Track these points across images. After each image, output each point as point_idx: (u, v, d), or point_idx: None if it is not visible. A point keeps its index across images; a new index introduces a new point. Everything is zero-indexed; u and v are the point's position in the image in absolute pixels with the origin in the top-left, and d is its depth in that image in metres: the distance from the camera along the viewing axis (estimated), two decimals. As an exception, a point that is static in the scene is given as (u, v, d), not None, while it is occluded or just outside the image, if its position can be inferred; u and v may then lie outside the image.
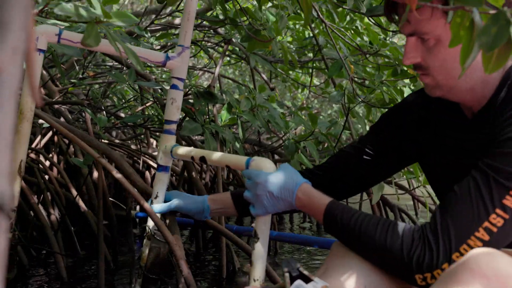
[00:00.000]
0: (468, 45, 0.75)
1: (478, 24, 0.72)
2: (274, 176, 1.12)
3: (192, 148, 1.44)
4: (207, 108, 1.94)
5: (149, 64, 3.40)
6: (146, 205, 1.42)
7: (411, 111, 1.20)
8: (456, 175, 1.07)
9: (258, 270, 1.18)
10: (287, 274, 1.03)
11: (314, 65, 3.55)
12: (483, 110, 1.01)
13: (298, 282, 0.99)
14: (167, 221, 1.55)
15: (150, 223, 1.47)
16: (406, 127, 1.21)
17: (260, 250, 1.18)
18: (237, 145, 1.93)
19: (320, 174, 1.30)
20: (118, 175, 1.55)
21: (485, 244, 0.88)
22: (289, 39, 4.15)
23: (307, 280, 1.01)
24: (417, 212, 4.23)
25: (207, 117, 1.97)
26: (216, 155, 1.33)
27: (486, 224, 0.88)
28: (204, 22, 2.65)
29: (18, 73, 0.41)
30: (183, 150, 1.43)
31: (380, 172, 1.28)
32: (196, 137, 3.11)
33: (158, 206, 1.44)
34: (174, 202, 1.42)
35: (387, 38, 2.70)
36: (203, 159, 1.35)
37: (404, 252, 0.93)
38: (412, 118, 1.19)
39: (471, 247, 0.88)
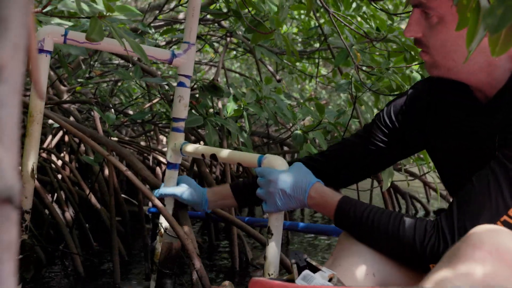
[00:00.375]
0: (474, 28, 0.74)
1: (484, 6, 0.71)
2: (287, 175, 1.14)
3: (202, 146, 1.45)
4: (211, 102, 1.94)
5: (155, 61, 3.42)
6: (157, 201, 1.44)
7: (419, 98, 1.18)
8: (461, 160, 1.06)
9: (273, 265, 1.21)
10: (294, 265, 1.05)
11: (321, 55, 3.54)
12: (498, 95, 0.99)
13: (306, 272, 1.01)
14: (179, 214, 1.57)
15: (162, 219, 1.49)
16: (413, 115, 1.19)
17: (274, 246, 1.21)
18: (244, 135, 1.94)
19: (323, 161, 1.30)
20: (127, 172, 1.57)
21: None
22: (295, 29, 4.14)
23: (314, 270, 1.03)
24: (428, 198, 4.21)
25: (212, 110, 1.98)
26: (227, 153, 1.34)
27: (504, 218, 0.88)
28: (208, 16, 2.66)
29: (20, 69, 0.42)
30: (192, 147, 1.44)
31: (384, 160, 1.28)
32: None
33: (158, 190, 1.47)
34: (174, 190, 1.44)
35: (394, 24, 2.69)
36: (213, 156, 1.36)
37: (417, 242, 0.94)
38: (420, 105, 1.18)
39: None
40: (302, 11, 3.29)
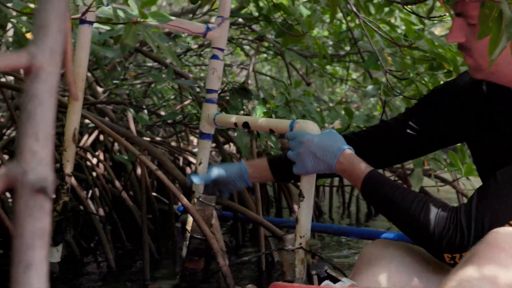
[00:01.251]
0: (496, 36, 0.75)
1: (507, 15, 0.72)
2: (318, 138, 1.15)
3: (234, 115, 1.48)
4: (241, 104, 1.98)
5: (186, 63, 3.48)
6: (184, 200, 1.48)
7: (464, 91, 1.17)
8: (498, 159, 1.06)
9: (304, 227, 1.24)
10: (315, 276, 1.08)
11: (351, 58, 3.54)
12: None
13: (326, 282, 1.04)
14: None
15: (195, 188, 1.50)
16: (455, 106, 1.18)
17: (305, 208, 1.24)
18: (273, 138, 1.97)
19: (357, 141, 1.29)
20: (158, 172, 1.61)
21: None
22: (326, 33, 4.15)
23: (335, 280, 1.05)
24: (461, 205, 4.13)
25: (242, 112, 2.01)
26: (259, 120, 1.38)
27: None
28: (239, 19, 2.70)
29: (56, 72, 0.46)
30: (225, 117, 1.49)
31: (419, 147, 1.27)
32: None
33: (198, 178, 1.46)
34: (214, 171, 1.43)
35: (425, 28, 2.67)
36: (246, 124, 1.40)
37: (436, 231, 0.94)
38: (464, 98, 1.16)
39: None
40: (324, 17, 3.30)
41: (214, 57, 1.52)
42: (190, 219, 1.51)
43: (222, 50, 1.53)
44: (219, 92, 1.60)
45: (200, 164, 1.51)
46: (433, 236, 0.95)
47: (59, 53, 0.47)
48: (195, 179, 1.47)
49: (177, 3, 6.61)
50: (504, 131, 1.06)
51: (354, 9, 1.80)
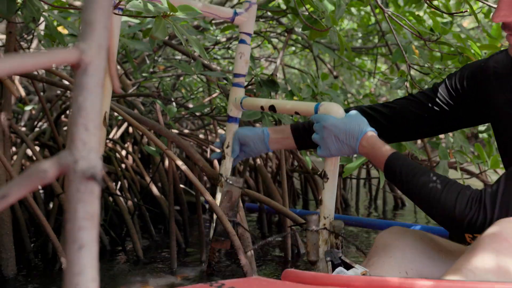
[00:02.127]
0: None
1: None
2: (341, 121, 1.16)
3: (261, 99, 1.51)
4: (269, 96, 2.00)
5: (215, 56, 3.50)
6: (208, 196, 1.51)
7: (495, 71, 1.14)
8: None
9: (328, 208, 1.28)
10: (329, 263, 1.10)
11: (380, 51, 3.52)
12: None
13: (339, 268, 1.07)
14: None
15: (223, 170, 1.52)
16: (485, 85, 1.16)
17: (329, 189, 1.27)
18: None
19: (383, 112, 1.30)
20: (183, 167, 1.65)
21: None
22: (355, 25, 4.13)
23: (348, 267, 1.07)
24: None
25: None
26: (285, 103, 1.41)
27: None
28: (268, 13, 2.71)
29: (103, 66, 0.49)
30: (252, 101, 1.51)
31: (443, 124, 1.26)
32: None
33: (229, 152, 1.50)
34: (238, 132, 1.45)
35: (453, 21, 2.64)
36: (272, 107, 1.42)
37: (457, 210, 0.94)
38: (495, 78, 1.14)
39: None
40: (361, 8, 3.29)
41: (242, 41, 1.54)
42: (218, 199, 1.53)
43: (249, 35, 1.54)
44: (246, 84, 1.62)
45: (227, 147, 1.52)
46: (454, 214, 0.94)
47: (105, 48, 0.50)
48: (228, 155, 1.49)
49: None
50: None
51: (379, 2, 1.80)
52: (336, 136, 1.16)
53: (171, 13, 1.17)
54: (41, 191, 2.69)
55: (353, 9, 3.65)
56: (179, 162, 1.66)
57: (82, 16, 0.50)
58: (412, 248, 1.10)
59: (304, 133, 1.37)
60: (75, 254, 0.43)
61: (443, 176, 1.01)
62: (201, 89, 3.13)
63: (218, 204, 1.50)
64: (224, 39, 3.20)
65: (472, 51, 1.93)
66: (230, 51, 3.51)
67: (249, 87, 2.06)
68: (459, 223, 0.94)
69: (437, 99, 1.24)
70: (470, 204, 0.94)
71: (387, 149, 1.11)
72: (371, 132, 1.15)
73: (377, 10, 2.80)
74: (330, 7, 2.09)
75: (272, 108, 1.43)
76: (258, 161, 2.69)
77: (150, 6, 1.19)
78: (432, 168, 2.50)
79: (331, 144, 1.17)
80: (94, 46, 0.49)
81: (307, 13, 2.09)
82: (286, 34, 2.58)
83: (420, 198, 1.03)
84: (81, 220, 0.43)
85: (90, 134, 0.46)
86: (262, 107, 1.45)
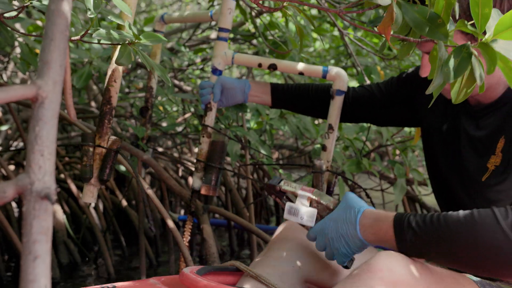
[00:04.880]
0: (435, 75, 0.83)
1: (441, 56, 0.81)
2: (333, 222, 1.02)
3: (257, 56, 1.53)
4: (236, 116, 2.08)
5: (190, 76, 3.58)
6: (170, 222, 1.57)
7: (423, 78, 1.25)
8: (448, 148, 1.16)
9: (330, 153, 1.51)
10: (278, 200, 1.09)
11: (348, 71, 3.64)
12: (492, 105, 1.07)
13: (288, 205, 1.06)
14: (201, 221, 1.71)
15: (208, 122, 1.53)
16: (413, 90, 1.30)
17: (332, 138, 1.49)
18: (266, 147, 2.06)
19: (349, 93, 1.46)
20: (148, 191, 1.70)
21: None
22: (327, 46, 4.26)
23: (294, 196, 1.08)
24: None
25: (236, 123, 2.11)
26: (289, 63, 1.47)
27: None
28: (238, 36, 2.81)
29: (58, 99, 0.57)
30: (247, 57, 1.53)
31: (384, 116, 1.41)
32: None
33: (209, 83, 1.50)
34: (222, 78, 1.48)
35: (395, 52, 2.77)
36: (273, 66, 1.47)
37: (500, 219, 0.83)
38: (421, 85, 1.25)
39: None
40: (330, 32, 3.42)
41: None
42: (203, 150, 1.52)
43: None
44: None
45: (213, 99, 1.52)
46: (498, 223, 0.83)
47: (61, 84, 0.58)
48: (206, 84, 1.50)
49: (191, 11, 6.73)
50: (449, 125, 1.17)
51: (339, 28, 1.90)
52: (337, 240, 1.01)
53: (135, 41, 1.24)
54: (15, 210, 2.72)
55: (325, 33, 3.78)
56: (145, 186, 1.71)
57: (40, 56, 0.58)
58: (305, 243, 1.15)
59: (282, 95, 1.48)
60: (30, 264, 0.49)
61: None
62: (175, 109, 3.20)
63: (206, 155, 1.51)
64: (199, 60, 3.28)
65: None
66: (205, 71, 3.59)
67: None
68: (506, 229, 0.82)
69: (383, 93, 1.39)
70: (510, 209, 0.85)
71: (386, 219, 0.95)
72: (364, 218, 0.98)
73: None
74: (294, 31, 2.20)
75: (272, 66, 1.46)
76: (232, 181, 2.76)
77: (115, 35, 1.26)
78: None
79: (338, 246, 1.01)
80: (50, 83, 0.57)
81: (272, 38, 2.20)
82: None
83: (452, 238, 0.87)
84: (36, 235, 0.50)
85: (45, 159, 0.53)
86: (259, 65, 1.46)
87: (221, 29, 1.55)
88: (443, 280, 0.91)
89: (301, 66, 1.45)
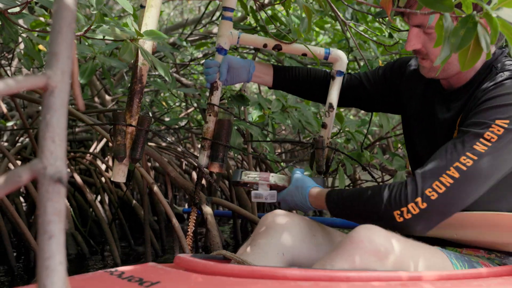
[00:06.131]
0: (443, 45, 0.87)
1: (447, 27, 0.85)
2: (289, 196, 1.31)
3: (263, 37, 1.56)
4: (238, 109, 2.11)
5: (192, 71, 3.62)
6: (174, 220, 1.58)
7: (413, 69, 1.36)
8: (427, 134, 1.26)
9: (330, 131, 1.60)
10: (246, 188, 1.29)
11: (350, 65, 3.66)
12: (461, 88, 1.17)
13: (253, 193, 1.29)
14: (206, 213, 1.74)
15: (214, 101, 1.53)
16: (399, 79, 1.38)
17: (332, 117, 1.57)
18: (267, 142, 2.10)
19: (344, 80, 1.55)
20: (153, 185, 1.74)
21: (455, 181, 1.01)
22: (329, 40, 4.28)
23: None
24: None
25: (239, 117, 2.15)
26: (293, 44, 1.50)
27: (456, 164, 1.01)
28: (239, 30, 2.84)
29: (66, 88, 0.60)
30: (252, 37, 1.55)
31: (370, 102, 1.51)
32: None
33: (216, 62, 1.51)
34: (229, 57, 1.50)
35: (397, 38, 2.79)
36: (278, 46, 1.50)
37: (384, 193, 1.07)
38: (408, 75, 1.36)
39: (443, 184, 1.01)
40: (326, 26, 3.43)
41: None
42: (210, 129, 1.53)
43: None
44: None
45: (219, 78, 1.53)
46: (382, 199, 1.06)
47: (69, 74, 0.61)
48: (213, 63, 1.51)
49: (188, 11, 6.77)
50: (425, 109, 1.27)
51: (341, 17, 1.92)
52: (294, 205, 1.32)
53: (138, 37, 1.28)
54: (24, 204, 2.77)
55: (327, 25, 3.80)
56: (150, 180, 1.75)
57: (49, 48, 0.61)
58: (289, 231, 1.22)
59: (283, 76, 1.54)
60: (45, 243, 0.53)
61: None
62: (178, 104, 3.23)
63: (212, 133, 1.52)
64: (200, 55, 3.31)
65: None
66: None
67: (221, 101, 2.17)
68: (386, 204, 1.06)
69: (370, 81, 1.47)
70: (396, 186, 1.06)
71: (322, 192, 1.25)
72: (312, 190, 1.29)
73: (346, 27, 2.94)
74: (297, 22, 2.22)
75: (277, 47, 1.49)
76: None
77: (118, 31, 1.29)
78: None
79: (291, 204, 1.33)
80: (59, 73, 0.60)
81: (275, 31, 2.22)
82: (255, 51, 2.70)
83: (360, 213, 1.14)
84: (50, 215, 0.53)
85: (57, 145, 0.56)
86: (264, 45, 1.49)
87: (225, 9, 1.55)
88: (415, 249, 1.07)
89: (304, 47, 1.49)
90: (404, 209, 1.03)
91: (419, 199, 1.01)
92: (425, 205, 1.01)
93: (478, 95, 1.10)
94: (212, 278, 0.88)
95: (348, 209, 1.17)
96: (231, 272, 0.89)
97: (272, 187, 1.33)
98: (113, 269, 0.97)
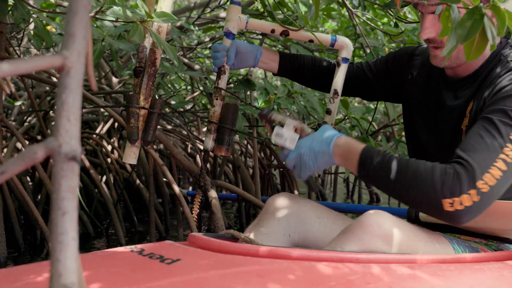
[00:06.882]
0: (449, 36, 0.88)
1: (454, 18, 0.86)
2: (309, 147, 1.16)
3: (270, 22, 1.57)
4: (245, 94, 2.12)
5: (199, 55, 3.62)
6: (176, 188, 1.60)
7: (415, 58, 1.38)
8: (429, 122, 1.27)
9: (334, 117, 1.58)
10: (268, 125, 1.24)
11: (357, 53, 3.65)
12: (469, 77, 1.18)
13: (276, 129, 1.21)
14: (210, 197, 1.77)
15: (222, 85, 1.53)
16: (402, 68, 1.40)
17: (336, 103, 1.56)
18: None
19: (351, 69, 1.56)
20: (163, 167, 1.76)
21: (504, 174, 0.98)
22: (336, 27, 4.26)
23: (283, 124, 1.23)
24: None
25: (245, 102, 2.16)
26: (300, 30, 1.52)
27: (502, 156, 0.99)
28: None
29: (82, 69, 0.61)
30: (260, 23, 1.57)
31: (372, 91, 1.52)
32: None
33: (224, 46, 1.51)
34: (237, 41, 1.50)
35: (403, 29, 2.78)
36: (285, 32, 1.52)
37: (435, 178, 0.98)
38: (411, 65, 1.38)
39: (494, 177, 0.97)
40: (333, 13, 3.42)
41: None
42: (217, 112, 1.53)
43: None
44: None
45: (227, 62, 1.53)
46: (433, 183, 0.98)
47: (84, 55, 0.63)
48: (224, 45, 1.51)
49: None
50: (431, 97, 1.28)
51: (348, 5, 1.92)
52: (311, 160, 1.16)
53: (148, 19, 1.29)
54: (30, 183, 2.80)
55: (333, 12, 3.79)
56: (160, 162, 1.77)
57: (65, 29, 0.63)
58: (295, 213, 1.25)
59: (289, 63, 1.56)
60: (59, 219, 0.54)
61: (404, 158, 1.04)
62: (184, 87, 3.24)
63: (218, 117, 1.52)
64: (207, 39, 3.31)
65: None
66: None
67: (228, 85, 2.18)
68: (437, 191, 0.98)
69: (373, 71, 1.49)
70: (447, 172, 0.98)
71: (358, 147, 1.09)
72: (339, 140, 1.13)
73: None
74: (304, 9, 2.22)
75: (284, 33, 1.51)
76: (242, 158, 2.81)
77: (128, 13, 1.30)
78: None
79: (309, 168, 1.17)
80: (75, 54, 0.62)
81: (283, 16, 2.22)
82: (262, 36, 2.71)
83: (397, 179, 1.02)
84: (64, 192, 0.55)
85: (72, 124, 0.58)
86: (272, 31, 1.51)
87: None
88: (420, 234, 1.12)
89: (311, 34, 1.51)
90: (457, 199, 0.97)
91: (473, 192, 0.97)
92: (478, 198, 0.97)
93: (493, 81, 1.11)
94: (230, 257, 0.92)
95: (385, 177, 1.03)
96: (247, 252, 0.93)
97: (297, 130, 1.21)
98: (132, 246, 1.00)
